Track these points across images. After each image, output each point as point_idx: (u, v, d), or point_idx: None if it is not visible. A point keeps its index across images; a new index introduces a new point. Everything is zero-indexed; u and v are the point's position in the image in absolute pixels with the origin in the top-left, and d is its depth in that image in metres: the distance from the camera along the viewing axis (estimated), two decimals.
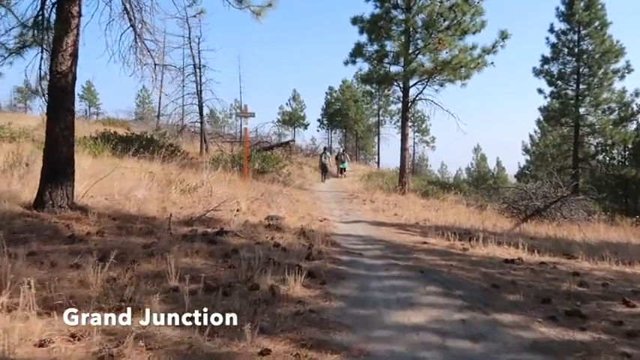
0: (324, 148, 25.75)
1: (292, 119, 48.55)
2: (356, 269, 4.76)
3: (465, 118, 14.55)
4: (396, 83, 15.12)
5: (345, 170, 24.07)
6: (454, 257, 5.63)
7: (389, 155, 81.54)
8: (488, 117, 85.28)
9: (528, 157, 38.89)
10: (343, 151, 27.46)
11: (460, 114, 15.21)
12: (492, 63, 14.81)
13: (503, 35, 14.79)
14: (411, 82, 14.97)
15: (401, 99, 15.25)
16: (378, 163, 42.78)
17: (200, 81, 18.68)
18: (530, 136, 40.40)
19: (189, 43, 18.75)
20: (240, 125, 20.61)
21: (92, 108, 52.47)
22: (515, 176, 39.67)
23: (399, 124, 30.01)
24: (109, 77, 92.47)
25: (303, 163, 25.39)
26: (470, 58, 13.96)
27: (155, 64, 6.81)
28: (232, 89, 78.80)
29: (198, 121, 19.22)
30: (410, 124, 27.31)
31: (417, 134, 47.51)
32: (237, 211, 7.70)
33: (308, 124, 49.19)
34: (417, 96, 14.98)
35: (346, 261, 5.10)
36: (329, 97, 48.27)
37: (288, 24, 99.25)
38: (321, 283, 4.08)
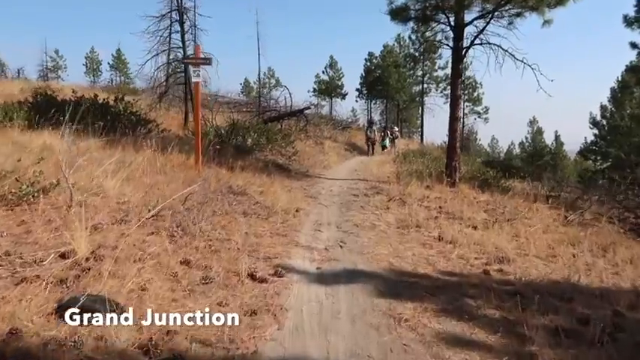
0: (369, 122, 22.34)
1: (329, 88, 43.99)
2: None
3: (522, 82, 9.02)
4: (444, 17, 9.91)
5: (386, 148, 20.21)
6: None
7: (434, 129, 74.19)
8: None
9: (597, 132, 32.56)
10: (386, 125, 23.05)
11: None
12: None
13: None
14: (468, 17, 9.79)
15: (451, 43, 10.07)
16: (422, 137, 37.25)
17: (183, 30, 14.15)
18: (602, 106, 33.75)
19: None
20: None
21: (122, 77, 49.97)
22: (579, 153, 33.72)
23: (447, 92, 24.89)
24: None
25: (327, 137, 20.74)
26: None
27: None
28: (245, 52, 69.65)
29: (183, 83, 14.72)
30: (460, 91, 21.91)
31: (467, 104, 41.28)
32: (63, 257, 3.34)
33: (346, 94, 44.54)
34: (475, 37, 9.76)
35: None
36: (368, 63, 43.02)
37: None
38: None
